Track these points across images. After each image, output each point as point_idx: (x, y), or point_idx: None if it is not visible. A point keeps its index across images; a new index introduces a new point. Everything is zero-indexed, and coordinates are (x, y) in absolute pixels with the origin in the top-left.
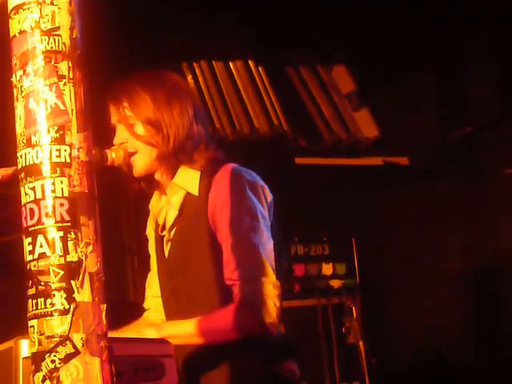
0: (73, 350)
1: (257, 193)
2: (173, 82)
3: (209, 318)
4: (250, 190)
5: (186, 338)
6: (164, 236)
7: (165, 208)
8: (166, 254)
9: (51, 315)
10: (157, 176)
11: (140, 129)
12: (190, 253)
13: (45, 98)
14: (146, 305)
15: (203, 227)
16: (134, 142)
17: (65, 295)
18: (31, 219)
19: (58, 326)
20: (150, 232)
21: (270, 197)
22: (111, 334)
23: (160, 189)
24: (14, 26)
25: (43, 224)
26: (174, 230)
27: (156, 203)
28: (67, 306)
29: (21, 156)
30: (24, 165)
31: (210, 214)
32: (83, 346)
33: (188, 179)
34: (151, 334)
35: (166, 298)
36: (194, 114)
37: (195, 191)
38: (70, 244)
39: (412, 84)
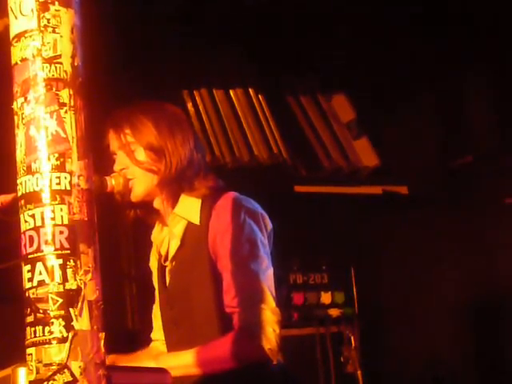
0: (71, 379)
1: (257, 221)
2: (174, 112)
3: (208, 347)
4: (250, 218)
5: (185, 369)
6: (166, 266)
7: (167, 238)
8: (167, 283)
9: (49, 343)
10: (156, 204)
11: (141, 155)
12: (190, 282)
13: (46, 126)
14: (153, 336)
15: (204, 256)
16: (135, 168)
17: (63, 323)
18: (30, 246)
19: (56, 354)
20: (154, 263)
21: (269, 225)
22: (117, 358)
23: (161, 219)
24: (16, 54)
25: (42, 251)
26: (175, 260)
27: (158, 234)
28: (66, 334)
29: (21, 183)
30: (24, 192)
31: (210, 243)
32: (81, 374)
33: (189, 208)
34: (151, 365)
35: (167, 328)
36: (195, 144)
37: (196, 220)
38: (69, 272)
39: (412, 113)
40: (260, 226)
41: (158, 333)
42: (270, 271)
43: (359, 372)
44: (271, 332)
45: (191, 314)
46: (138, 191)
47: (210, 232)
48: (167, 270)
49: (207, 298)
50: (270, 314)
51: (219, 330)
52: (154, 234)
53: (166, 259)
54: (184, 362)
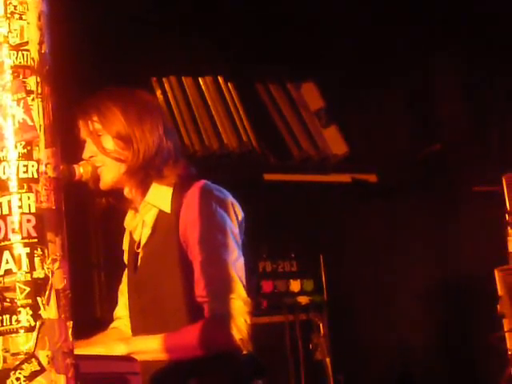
0: (38, 368)
1: (227, 210)
2: (143, 98)
3: (179, 333)
4: (221, 207)
5: (155, 353)
6: (139, 253)
7: (139, 225)
8: (138, 270)
9: (17, 332)
10: (126, 192)
11: (109, 143)
12: (160, 270)
13: (12, 114)
14: (117, 313)
15: (174, 244)
16: (102, 156)
17: (31, 312)
18: None
19: (24, 343)
20: (126, 245)
21: (241, 214)
22: (80, 344)
23: (132, 206)
24: None
25: (9, 240)
26: (147, 248)
27: (131, 220)
28: (33, 323)
29: None
30: None
31: (181, 232)
32: (49, 363)
33: (160, 196)
34: (120, 348)
35: (133, 315)
36: (164, 131)
37: (168, 208)
38: (37, 260)
39: (381, 101)
40: (230, 215)
41: (122, 310)
42: (241, 261)
43: (328, 359)
44: (242, 322)
45: (160, 303)
46: (107, 179)
47: (180, 221)
48: (139, 256)
49: (177, 287)
50: (241, 304)
51: (188, 320)
52: (127, 220)
53: (138, 246)
54: (153, 346)
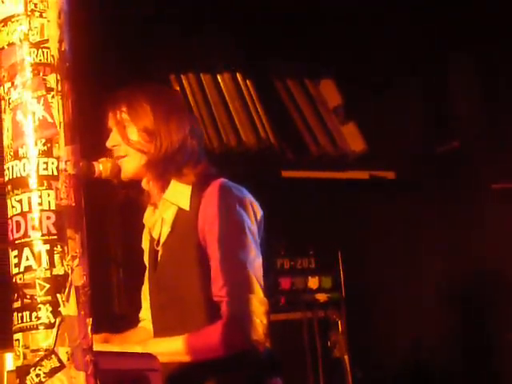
0: (58, 364)
1: (246, 208)
2: (174, 97)
3: (196, 335)
4: (239, 205)
5: (172, 356)
6: (158, 251)
7: (159, 222)
8: (157, 268)
9: (37, 329)
10: (143, 183)
11: (134, 134)
12: (179, 268)
13: (33, 111)
14: (141, 315)
15: (193, 243)
16: (126, 146)
17: (50, 309)
18: (17, 232)
19: (44, 339)
20: (146, 244)
21: (259, 213)
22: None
23: (151, 202)
24: (3, 38)
25: (29, 237)
26: (166, 245)
27: (150, 217)
28: (53, 320)
29: (8, 168)
30: (11, 177)
31: (199, 230)
32: (68, 359)
33: (179, 194)
34: (137, 350)
35: (154, 312)
36: (190, 131)
37: (186, 206)
38: (57, 257)
39: (399, 98)
40: (249, 213)
41: (146, 312)
42: (259, 260)
43: (346, 356)
44: (259, 323)
45: (179, 301)
46: (128, 169)
47: (199, 219)
48: (159, 254)
49: (196, 286)
50: (257, 304)
51: (206, 318)
52: (145, 217)
53: (157, 244)
54: (172, 348)
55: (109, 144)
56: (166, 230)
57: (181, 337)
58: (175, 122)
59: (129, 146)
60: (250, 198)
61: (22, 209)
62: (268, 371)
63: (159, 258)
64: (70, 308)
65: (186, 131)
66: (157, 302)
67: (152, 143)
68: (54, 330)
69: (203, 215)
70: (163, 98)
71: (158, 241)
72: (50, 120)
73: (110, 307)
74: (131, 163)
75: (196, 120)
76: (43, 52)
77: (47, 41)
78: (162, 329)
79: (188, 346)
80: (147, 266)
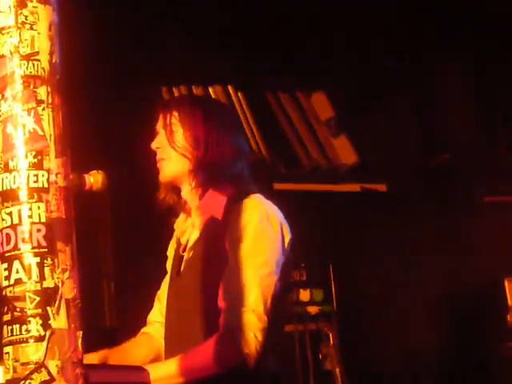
0: (48, 378)
1: (275, 228)
2: (227, 111)
3: (188, 355)
4: (269, 223)
5: (167, 380)
6: (184, 256)
7: (189, 229)
8: (181, 272)
9: (27, 342)
10: (184, 192)
11: (180, 138)
12: (203, 276)
13: (23, 123)
14: (151, 317)
15: (218, 251)
16: (169, 149)
17: (41, 322)
18: (7, 244)
19: (34, 352)
20: (171, 251)
21: (289, 236)
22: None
23: (185, 210)
24: None
25: (20, 250)
26: (193, 251)
27: (182, 224)
28: (43, 333)
29: None
30: (1, 190)
31: (226, 240)
32: (58, 373)
33: (214, 203)
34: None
35: (170, 318)
36: (242, 148)
37: (219, 216)
38: (47, 270)
39: (390, 111)
40: (277, 233)
41: (156, 315)
42: (272, 279)
43: (338, 369)
44: (252, 337)
45: (196, 308)
46: (168, 172)
47: (227, 230)
48: (184, 259)
49: (215, 294)
50: (255, 319)
51: (215, 329)
52: (177, 223)
53: (184, 249)
54: (165, 372)
55: (153, 145)
56: (195, 235)
57: (173, 359)
58: (229, 135)
59: (173, 149)
60: (281, 218)
61: (12, 221)
62: None
63: (183, 263)
64: (60, 321)
65: (239, 147)
66: (174, 307)
67: (198, 150)
68: (44, 343)
69: (233, 225)
70: (217, 110)
71: (185, 246)
72: (40, 132)
73: (100, 321)
74: (172, 167)
75: (247, 136)
76: (34, 64)
77: (37, 53)
78: (175, 334)
79: (181, 367)
80: (169, 271)
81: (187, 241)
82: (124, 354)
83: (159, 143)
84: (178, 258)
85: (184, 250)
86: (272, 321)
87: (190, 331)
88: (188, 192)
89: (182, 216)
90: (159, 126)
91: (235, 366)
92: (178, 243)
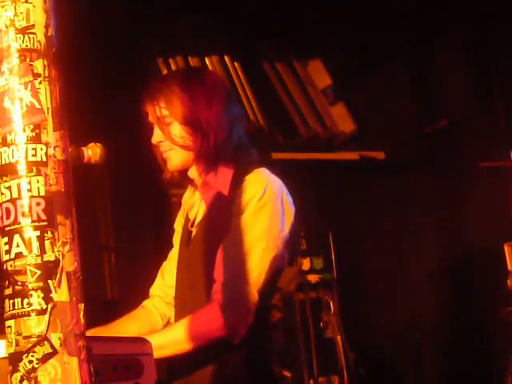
0: (51, 350)
1: (277, 201)
2: (212, 80)
3: (173, 327)
4: (272, 198)
5: (174, 345)
6: (192, 231)
7: (197, 203)
8: (190, 247)
9: (28, 315)
10: (191, 173)
11: (177, 130)
12: (211, 248)
13: (20, 97)
14: (152, 291)
15: (225, 226)
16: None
17: (42, 295)
18: (7, 219)
19: (36, 326)
20: (179, 225)
21: (292, 209)
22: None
23: (193, 184)
24: None
25: (19, 223)
26: (200, 226)
27: (189, 198)
28: (44, 306)
29: None
30: (0, 164)
31: (233, 215)
32: (61, 345)
33: (220, 179)
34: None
35: (181, 289)
36: (234, 115)
37: (226, 191)
38: (47, 243)
39: (387, 79)
40: (277, 206)
41: (157, 289)
42: (271, 253)
43: (339, 337)
44: (246, 309)
45: (208, 279)
46: (175, 162)
47: (233, 204)
48: (192, 234)
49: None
50: (247, 291)
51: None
52: (185, 197)
53: (192, 225)
54: (166, 339)
55: (154, 140)
56: (203, 211)
57: (175, 326)
58: (217, 106)
59: (173, 143)
60: (285, 192)
61: (11, 195)
62: (279, 364)
63: (192, 238)
64: (61, 294)
65: (231, 116)
66: (186, 279)
67: (197, 135)
68: (46, 316)
69: (238, 200)
70: (201, 84)
71: (193, 222)
72: (37, 106)
73: (101, 293)
74: (178, 157)
75: (238, 104)
76: (29, 38)
77: (33, 26)
78: (191, 304)
79: (185, 333)
80: (176, 245)
81: (195, 216)
82: (116, 330)
83: (159, 137)
84: (187, 233)
85: (192, 226)
86: (265, 294)
87: (204, 299)
88: (195, 172)
89: (189, 190)
90: (151, 118)
91: (221, 338)
92: (187, 218)
